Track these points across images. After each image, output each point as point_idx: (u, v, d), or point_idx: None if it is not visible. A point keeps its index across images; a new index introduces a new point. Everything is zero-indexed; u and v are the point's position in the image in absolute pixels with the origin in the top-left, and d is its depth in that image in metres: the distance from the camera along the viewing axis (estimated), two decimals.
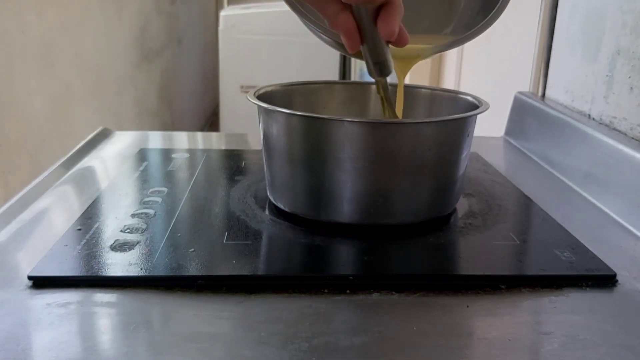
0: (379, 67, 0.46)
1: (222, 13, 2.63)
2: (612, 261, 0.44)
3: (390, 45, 0.45)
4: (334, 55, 2.45)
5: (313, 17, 0.49)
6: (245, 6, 2.71)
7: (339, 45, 0.50)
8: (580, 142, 0.62)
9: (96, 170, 0.65)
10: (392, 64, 0.46)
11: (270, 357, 0.32)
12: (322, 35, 0.50)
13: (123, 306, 0.37)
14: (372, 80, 0.49)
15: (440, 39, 0.53)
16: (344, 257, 0.45)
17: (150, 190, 0.56)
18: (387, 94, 0.49)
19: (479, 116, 0.49)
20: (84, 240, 0.44)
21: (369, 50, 0.45)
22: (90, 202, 0.53)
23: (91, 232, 0.46)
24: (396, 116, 0.51)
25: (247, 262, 0.42)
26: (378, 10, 0.43)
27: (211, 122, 3.18)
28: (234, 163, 0.66)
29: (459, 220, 0.50)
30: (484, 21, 0.51)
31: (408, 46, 0.46)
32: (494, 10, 0.51)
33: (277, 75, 2.40)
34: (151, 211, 0.51)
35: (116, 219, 0.49)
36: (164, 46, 2.27)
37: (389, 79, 0.50)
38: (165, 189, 0.56)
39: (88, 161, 0.67)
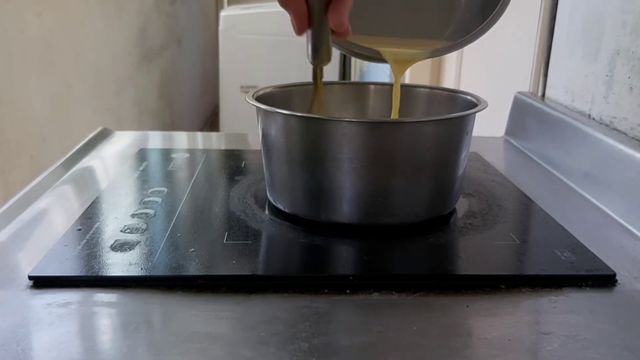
0: (318, 53, 0.48)
1: (222, 13, 2.63)
2: (612, 261, 0.44)
3: (389, 49, 0.46)
4: (334, 55, 2.44)
5: None
6: (245, 6, 2.72)
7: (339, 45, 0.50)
8: (580, 142, 0.62)
9: (96, 170, 0.65)
10: (331, 54, 0.48)
11: (270, 357, 0.32)
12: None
13: (123, 306, 0.37)
14: (372, 80, 0.49)
15: (437, 44, 0.53)
16: (344, 257, 0.45)
17: (150, 190, 0.56)
18: (317, 85, 0.51)
19: (478, 116, 0.49)
20: (84, 240, 0.44)
21: (313, 35, 0.47)
22: (90, 202, 0.53)
23: (91, 232, 0.46)
24: (324, 108, 0.52)
25: (247, 262, 0.42)
26: (328, 1, 0.45)
27: (211, 122, 3.18)
28: (234, 163, 0.66)
29: (459, 220, 0.50)
30: (482, 25, 0.51)
31: (403, 50, 0.47)
32: (492, 15, 0.51)
33: (277, 75, 2.40)
34: (151, 211, 0.51)
35: (116, 219, 0.49)
36: (163, 46, 2.27)
37: (388, 79, 0.50)
38: (165, 189, 0.56)
39: (88, 161, 0.67)
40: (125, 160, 0.67)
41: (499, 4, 0.51)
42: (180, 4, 2.55)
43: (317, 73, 0.51)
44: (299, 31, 0.46)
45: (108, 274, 0.40)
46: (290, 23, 0.46)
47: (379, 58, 0.53)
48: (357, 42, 0.53)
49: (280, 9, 0.46)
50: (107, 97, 1.61)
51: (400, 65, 0.53)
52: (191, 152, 0.70)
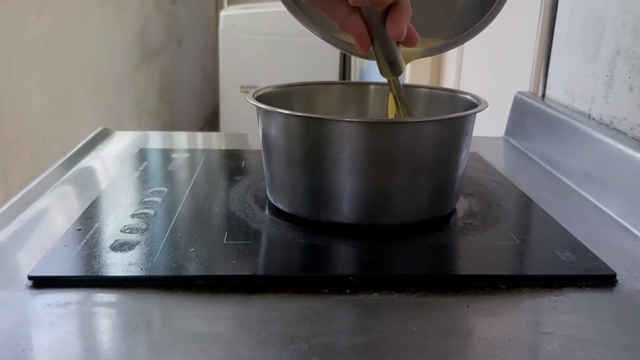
0: (391, 67, 0.47)
1: (222, 13, 2.63)
2: (612, 261, 0.44)
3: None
4: (334, 55, 2.45)
5: (309, 18, 0.49)
6: (245, 6, 2.72)
7: (340, 43, 0.50)
8: (580, 142, 0.62)
9: (96, 170, 0.65)
10: (403, 63, 0.47)
11: (270, 357, 0.32)
12: (321, 33, 0.50)
13: (123, 306, 0.37)
14: (372, 80, 0.49)
15: (433, 42, 0.53)
16: (344, 257, 0.45)
17: (150, 190, 0.56)
18: (400, 93, 0.50)
19: (478, 116, 0.49)
20: (84, 240, 0.44)
21: (379, 51, 0.46)
22: (90, 202, 0.53)
23: (91, 232, 0.46)
24: (410, 114, 0.51)
25: (247, 262, 0.42)
26: (386, 11, 0.43)
27: (211, 122, 3.18)
28: (234, 163, 0.66)
29: (459, 220, 0.50)
30: (480, 22, 0.51)
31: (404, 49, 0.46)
32: (490, 12, 0.51)
33: (277, 75, 2.40)
34: (151, 211, 0.51)
35: (116, 219, 0.49)
36: (163, 46, 2.27)
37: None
38: (165, 189, 0.56)
39: (88, 161, 0.67)
40: (125, 160, 0.67)
41: (497, 1, 0.51)
42: (180, 4, 2.55)
43: (392, 86, 0.49)
44: (363, 50, 0.45)
45: (108, 274, 0.40)
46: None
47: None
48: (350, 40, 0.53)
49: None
50: (107, 97, 1.61)
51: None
52: (191, 152, 0.70)
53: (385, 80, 0.50)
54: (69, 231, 0.46)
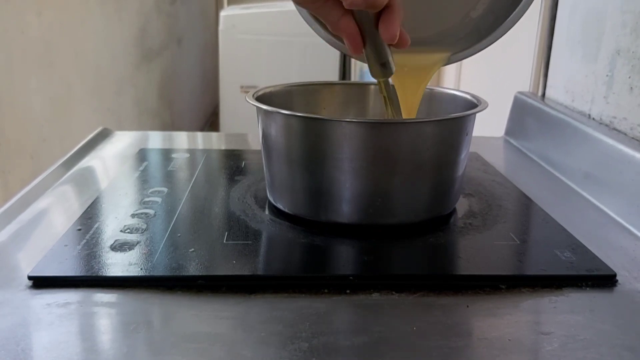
0: (382, 68, 0.47)
1: (222, 13, 2.63)
2: (612, 261, 0.44)
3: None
4: (334, 55, 2.44)
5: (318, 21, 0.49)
6: (245, 6, 2.71)
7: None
8: (580, 142, 0.62)
9: (96, 170, 0.65)
10: (394, 64, 0.47)
11: (270, 357, 0.32)
12: (327, 36, 0.50)
13: (123, 306, 0.37)
14: (372, 80, 0.49)
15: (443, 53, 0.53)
16: (344, 257, 0.45)
17: (150, 190, 0.56)
18: (389, 93, 0.50)
19: (478, 116, 0.49)
20: (84, 240, 0.44)
21: (371, 53, 0.45)
22: (90, 202, 0.53)
23: (91, 232, 0.46)
24: (400, 115, 0.51)
25: (247, 262, 0.42)
26: (379, 14, 0.43)
27: (211, 122, 3.18)
28: (234, 163, 0.66)
29: (459, 220, 0.50)
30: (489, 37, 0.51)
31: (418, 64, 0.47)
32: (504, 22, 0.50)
33: (277, 75, 2.40)
34: (151, 211, 0.51)
35: (116, 219, 0.49)
36: (163, 46, 2.27)
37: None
38: (165, 189, 0.56)
39: (88, 161, 0.67)
40: (125, 160, 0.67)
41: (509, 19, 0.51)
42: (180, 4, 2.55)
43: (382, 86, 0.49)
44: (356, 52, 0.45)
45: (108, 274, 0.40)
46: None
47: None
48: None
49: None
50: (107, 97, 1.61)
51: (416, 81, 0.53)
52: (191, 152, 0.70)
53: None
54: (69, 231, 0.46)
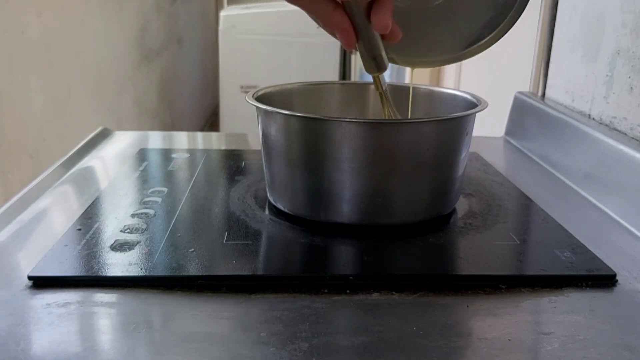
0: (376, 62, 0.47)
1: (222, 13, 2.63)
2: (612, 261, 0.44)
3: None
4: (334, 55, 2.45)
5: None
6: (245, 6, 2.71)
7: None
8: (580, 142, 0.62)
9: (96, 170, 0.65)
10: (387, 59, 0.47)
11: (270, 357, 0.32)
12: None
13: (123, 306, 0.37)
14: (372, 80, 0.49)
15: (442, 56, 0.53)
16: (344, 257, 0.45)
17: (150, 190, 0.56)
18: (385, 91, 0.50)
19: (478, 116, 0.49)
20: (84, 240, 0.44)
21: (364, 46, 0.46)
22: (90, 202, 0.53)
23: (91, 232, 0.46)
24: (395, 111, 0.51)
25: (247, 262, 0.42)
26: (369, 6, 0.43)
27: (211, 122, 3.18)
28: (234, 163, 0.66)
29: (459, 220, 0.50)
30: (487, 38, 0.51)
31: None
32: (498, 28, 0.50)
33: (277, 75, 2.40)
34: (151, 211, 0.51)
35: (116, 219, 0.49)
36: (164, 46, 2.27)
37: (388, 78, 0.50)
38: (165, 189, 0.56)
39: (88, 161, 0.67)
40: (125, 160, 0.67)
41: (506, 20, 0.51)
42: (180, 4, 2.55)
43: (377, 82, 0.50)
44: (349, 46, 0.45)
45: (108, 274, 0.40)
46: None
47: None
48: None
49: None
50: (107, 97, 1.61)
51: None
52: (191, 152, 0.70)
53: (384, 80, 0.50)
54: (69, 231, 0.46)
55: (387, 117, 0.52)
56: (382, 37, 0.45)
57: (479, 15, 0.51)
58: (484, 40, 0.50)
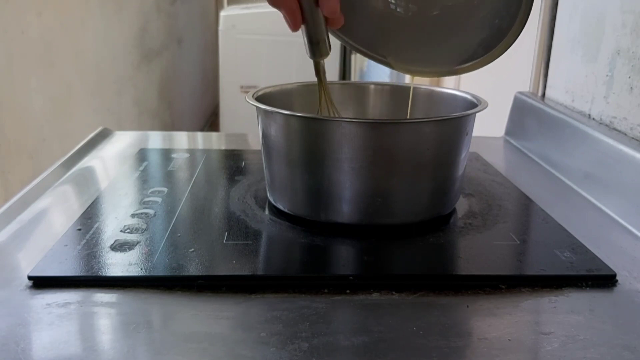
0: (318, 47, 0.48)
1: (222, 13, 2.63)
2: (612, 261, 0.44)
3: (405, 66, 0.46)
4: (334, 55, 2.44)
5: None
6: (245, 6, 2.71)
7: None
8: (580, 142, 0.62)
9: (96, 170, 0.65)
10: (330, 46, 0.47)
11: (270, 357, 0.32)
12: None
13: (123, 306, 0.37)
14: (372, 80, 0.49)
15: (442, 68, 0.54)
16: (344, 257, 0.45)
17: (150, 190, 0.56)
18: (324, 78, 0.51)
19: (478, 116, 0.49)
20: (84, 240, 0.44)
21: (308, 30, 0.47)
22: (90, 202, 0.53)
23: (91, 232, 0.46)
24: (332, 104, 0.52)
25: (247, 262, 0.42)
26: None
27: (211, 122, 3.18)
28: (234, 163, 0.66)
29: (459, 220, 0.50)
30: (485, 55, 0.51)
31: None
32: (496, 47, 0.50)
33: (277, 75, 2.40)
34: (151, 211, 0.51)
35: (116, 219, 0.49)
36: (163, 46, 2.27)
37: (388, 78, 0.50)
38: (165, 189, 0.56)
39: (88, 161, 0.67)
40: (125, 160, 0.67)
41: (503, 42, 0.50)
42: (180, 4, 2.55)
43: (318, 68, 0.51)
44: (294, 27, 0.46)
45: (108, 274, 0.40)
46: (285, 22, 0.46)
47: (382, 60, 0.53)
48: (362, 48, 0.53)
49: None
50: (107, 97, 1.61)
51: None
52: (191, 152, 0.70)
53: (385, 80, 0.50)
54: (69, 231, 0.46)
55: (321, 109, 0.52)
56: (326, 21, 0.46)
57: (474, 31, 0.51)
58: (477, 60, 0.50)
